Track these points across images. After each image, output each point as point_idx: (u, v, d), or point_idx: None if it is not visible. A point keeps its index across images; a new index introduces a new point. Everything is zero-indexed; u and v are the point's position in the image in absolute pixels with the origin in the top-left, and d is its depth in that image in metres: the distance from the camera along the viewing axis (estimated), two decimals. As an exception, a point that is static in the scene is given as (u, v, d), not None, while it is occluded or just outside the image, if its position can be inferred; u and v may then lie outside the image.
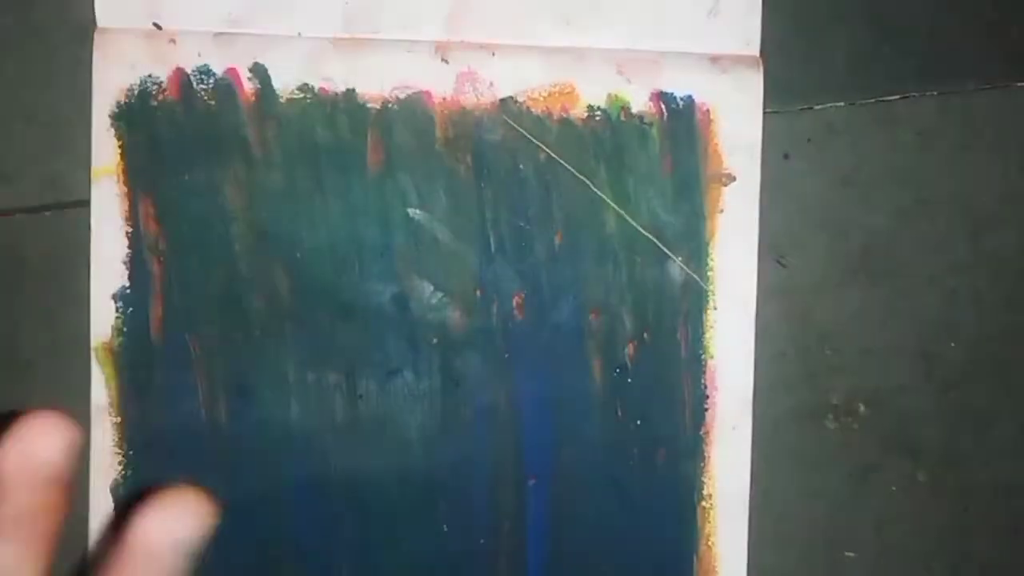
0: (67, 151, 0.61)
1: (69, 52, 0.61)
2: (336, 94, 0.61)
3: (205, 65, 0.60)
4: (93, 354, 0.60)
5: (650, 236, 0.62)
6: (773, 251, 0.63)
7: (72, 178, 0.61)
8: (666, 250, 0.62)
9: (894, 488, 0.65)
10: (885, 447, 0.65)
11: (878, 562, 0.65)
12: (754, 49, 0.62)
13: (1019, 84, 0.64)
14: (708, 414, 0.62)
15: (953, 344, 0.65)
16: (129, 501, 0.46)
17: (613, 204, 0.61)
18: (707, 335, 0.62)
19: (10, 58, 0.61)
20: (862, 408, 0.64)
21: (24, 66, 0.61)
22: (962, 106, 0.64)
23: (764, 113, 0.62)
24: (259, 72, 0.60)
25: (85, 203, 0.61)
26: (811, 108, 0.64)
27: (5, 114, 0.61)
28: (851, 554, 0.65)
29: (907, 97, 0.64)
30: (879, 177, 0.64)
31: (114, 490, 0.61)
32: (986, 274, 0.64)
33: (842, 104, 0.64)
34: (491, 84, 0.61)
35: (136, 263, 0.60)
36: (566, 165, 0.61)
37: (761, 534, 0.64)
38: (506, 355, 0.61)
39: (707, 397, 0.62)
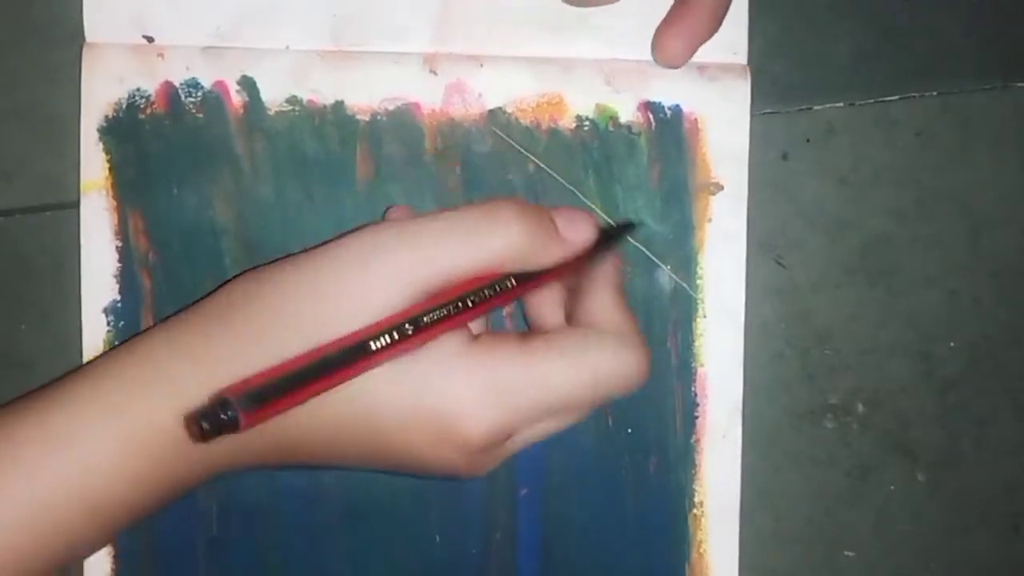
0: (67, 151, 0.61)
1: (68, 51, 0.61)
2: (324, 106, 0.61)
3: (193, 78, 0.60)
4: (85, 369, 0.61)
5: (639, 245, 0.61)
6: (772, 251, 0.63)
7: (72, 178, 0.61)
8: (655, 259, 0.62)
9: (893, 488, 0.65)
10: (884, 447, 0.65)
11: (877, 562, 0.65)
12: (741, 58, 0.61)
13: (1019, 84, 0.63)
14: (699, 422, 0.62)
15: (953, 344, 0.64)
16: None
17: (602, 214, 0.61)
18: (697, 343, 0.62)
19: (9, 57, 0.62)
20: (861, 408, 0.64)
21: (23, 65, 0.62)
22: (962, 106, 0.63)
23: (763, 114, 0.62)
24: (247, 85, 0.60)
25: (85, 203, 0.61)
26: (810, 108, 0.63)
27: (4, 113, 0.62)
28: (850, 554, 0.65)
29: (907, 97, 0.63)
30: (878, 177, 0.64)
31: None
32: (986, 274, 0.64)
33: (841, 104, 0.63)
34: (479, 95, 0.61)
35: (126, 277, 0.61)
36: (555, 175, 0.61)
37: (760, 534, 0.64)
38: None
39: (697, 405, 0.62)
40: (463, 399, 0.50)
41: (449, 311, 0.50)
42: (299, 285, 0.51)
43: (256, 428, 0.44)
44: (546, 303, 0.57)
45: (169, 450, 0.49)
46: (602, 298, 0.55)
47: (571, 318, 0.55)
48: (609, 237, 0.57)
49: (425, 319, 0.49)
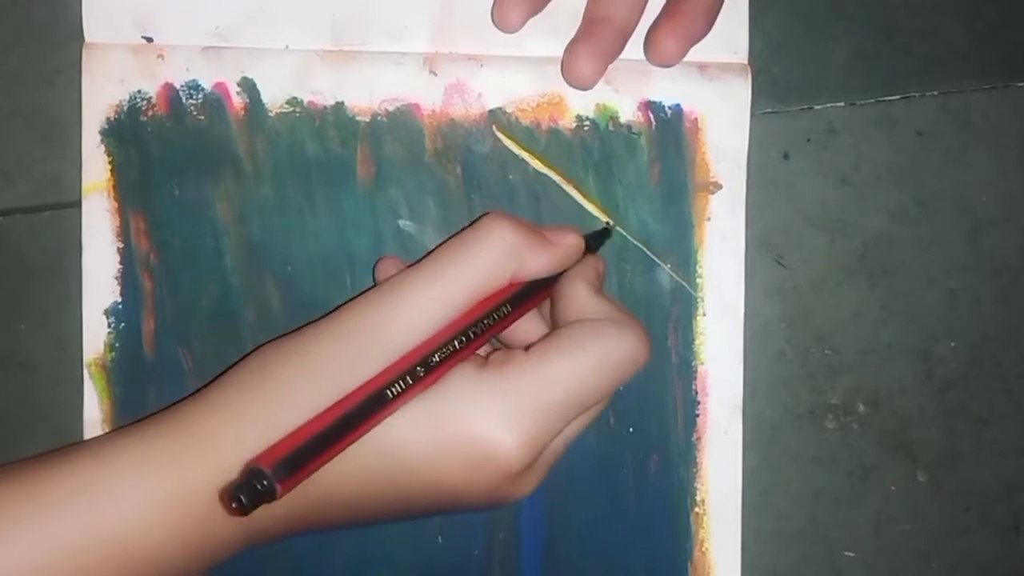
0: (67, 151, 0.61)
1: (68, 51, 0.61)
2: (325, 107, 0.61)
3: (194, 80, 0.60)
4: (86, 370, 0.61)
5: (639, 244, 0.62)
6: (772, 251, 0.63)
7: (72, 178, 0.61)
8: (655, 258, 0.62)
9: (894, 488, 0.65)
10: (885, 447, 0.65)
11: (877, 562, 0.65)
12: (742, 57, 0.61)
13: (1019, 84, 0.63)
14: (700, 420, 0.62)
15: (953, 344, 0.64)
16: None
17: (602, 213, 0.61)
18: (697, 341, 0.62)
19: (10, 57, 0.62)
20: (861, 408, 0.64)
21: (24, 65, 0.62)
22: (962, 106, 0.64)
23: (763, 113, 0.62)
24: (248, 86, 0.60)
25: (86, 203, 0.61)
26: (811, 108, 0.63)
27: (4, 113, 0.62)
28: (850, 554, 0.65)
29: (907, 97, 0.63)
30: (879, 177, 0.64)
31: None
32: (985, 274, 0.64)
33: (842, 104, 0.63)
34: (480, 95, 0.61)
35: (128, 279, 0.61)
36: (555, 175, 0.61)
37: (760, 534, 0.64)
38: (499, 364, 0.61)
39: (698, 403, 0.62)
40: (489, 425, 0.50)
41: (455, 347, 0.50)
42: (321, 348, 0.52)
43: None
44: (529, 322, 0.57)
45: (200, 512, 0.49)
46: (579, 291, 0.55)
47: (556, 324, 0.56)
48: (590, 241, 0.58)
49: (435, 359, 0.49)
